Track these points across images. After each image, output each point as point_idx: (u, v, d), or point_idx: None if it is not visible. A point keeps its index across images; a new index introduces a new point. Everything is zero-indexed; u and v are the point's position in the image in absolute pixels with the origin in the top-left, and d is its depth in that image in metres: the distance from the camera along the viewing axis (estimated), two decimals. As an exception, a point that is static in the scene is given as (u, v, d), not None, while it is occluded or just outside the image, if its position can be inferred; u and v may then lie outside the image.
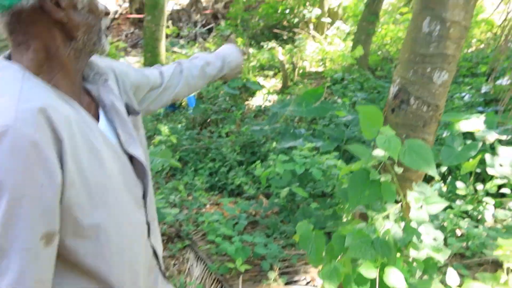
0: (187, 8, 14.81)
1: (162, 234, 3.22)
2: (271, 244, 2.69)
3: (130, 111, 1.06)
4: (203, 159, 5.27)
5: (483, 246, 2.49)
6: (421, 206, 1.55)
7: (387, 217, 1.59)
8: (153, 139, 5.58)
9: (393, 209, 1.58)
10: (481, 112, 4.99)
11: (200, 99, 6.88)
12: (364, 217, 1.78)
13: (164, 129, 5.32)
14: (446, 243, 2.57)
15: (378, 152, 1.57)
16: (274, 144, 4.09)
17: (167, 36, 10.09)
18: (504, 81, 5.56)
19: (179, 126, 6.26)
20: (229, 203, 3.49)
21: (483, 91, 5.45)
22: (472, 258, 2.55)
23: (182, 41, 11.82)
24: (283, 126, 4.38)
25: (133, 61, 10.76)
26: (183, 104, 7.22)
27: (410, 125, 1.75)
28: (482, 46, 7.93)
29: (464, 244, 2.67)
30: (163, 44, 8.21)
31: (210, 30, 13.27)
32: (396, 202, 1.65)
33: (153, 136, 6.07)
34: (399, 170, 1.58)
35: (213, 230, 2.89)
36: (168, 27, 10.91)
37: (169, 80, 1.31)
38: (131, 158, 1.00)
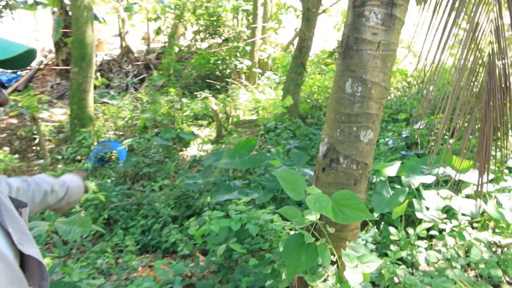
0: (118, 58, 14.63)
1: (86, 308, 2.89)
2: (208, 311, 2.50)
3: (17, 204, 0.92)
4: (135, 216, 4.96)
5: (419, 294, 2.51)
6: (356, 265, 1.52)
7: (326, 279, 1.53)
8: (79, 197, 5.20)
9: (330, 271, 1.53)
10: (404, 156, 5.30)
11: (131, 152, 6.61)
12: (302, 282, 1.71)
13: (91, 185, 4.98)
14: (384, 294, 2.56)
15: (310, 215, 1.53)
16: (209, 198, 3.96)
17: (96, 87, 9.78)
18: (420, 125, 6.00)
19: (109, 181, 5.91)
20: (162, 265, 3.25)
21: (404, 135, 5.83)
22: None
23: (112, 92, 11.52)
24: (217, 179, 4.29)
25: (59, 113, 10.22)
26: (112, 157, 6.89)
27: (342, 183, 1.75)
28: (399, 93, 8.60)
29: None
30: (91, 95, 7.92)
31: (142, 80, 13.13)
32: (332, 262, 1.60)
33: (79, 194, 5.66)
34: (331, 230, 1.54)
35: (144, 300, 2.64)
36: (97, 78, 10.62)
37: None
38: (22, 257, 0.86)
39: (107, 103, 9.70)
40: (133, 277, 3.44)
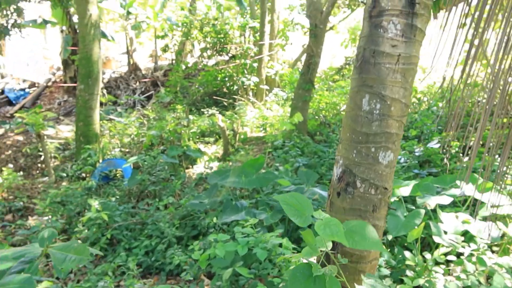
0: (126, 76, 14.69)
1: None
2: None
3: None
4: (139, 236, 4.81)
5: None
6: (376, 303, 1.36)
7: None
8: (82, 216, 5.07)
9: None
10: (417, 174, 5.13)
11: (136, 169, 6.50)
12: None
13: (95, 204, 4.86)
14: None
15: (322, 244, 1.38)
16: (215, 219, 3.81)
17: (102, 104, 9.77)
18: (433, 144, 5.84)
19: (113, 199, 5.79)
20: (165, 290, 3.10)
21: (416, 153, 5.66)
22: None
23: (119, 109, 11.51)
24: (224, 198, 4.14)
25: (65, 130, 10.20)
26: (117, 175, 6.78)
27: (359, 210, 1.60)
28: (409, 110, 8.46)
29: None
30: (97, 112, 7.88)
31: (149, 97, 13.13)
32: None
33: (82, 212, 5.54)
34: (344, 260, 1.39)
35: (144, 330, 2.47)
36: (103, 95, 10.63)
37: None
38: None
39: (114, 120, 9.65)
40: (134, 303, 3.28)
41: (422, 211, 3.00)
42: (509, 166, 3.03)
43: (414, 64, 1.61)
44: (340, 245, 1.44)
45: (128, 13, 13.90)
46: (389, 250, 3.48)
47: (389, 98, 1.56)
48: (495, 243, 3.45)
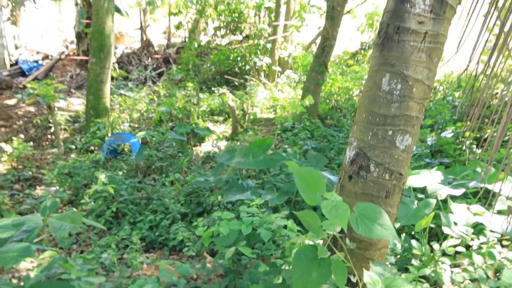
0: (138, 51, 14.60)
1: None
2: (212, 320, 2.31)
3: None
4: (143, 211, 4.81)
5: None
6: (382, 290, 1.30)
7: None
8: (89, 188, 5.08)
9: (351, 295, 1.31)
10: (428, 164, 5.02)
11: (144, 145, 6.48)
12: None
13: (101, 177, 4.86)
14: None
15: (329, 226, 1.31)
16: (220, 197, 3.77)
17: (113, 78, 9.73)
18: (447, 134, 5.70)
19: (120, 173, 5.79)
20: (167, 265, 3.08)
21: (429, 142, 5.53)
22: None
23: (130, 84, 11.46)
24: (230, 177, 4.09)
25: (76, 103, 10.20)
26: (125, 149, 6.78)
27: (371, 195, 1.52)
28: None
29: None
30: (107, 86, 7.84)
31: (160, 74, 13.05)
32: (352, 284, 1.38)
33: (89, 184, 5.55)
34: (352, 245, 1.32)
35: (144, 303, 2.46)
36: (115, 69, 10.58)
37: None
38: None
39: (124, 95, 9.62)
40: (136, 276, 3.28)
41: (433, 201, 2.92)
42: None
43: (441, 43, 1.49)
44: (350, 229, 1.36)
45: (143, -13, 13.72)
46: (395, 238, 3.42)
47: (412, 78, 1.45)
48: (506, 238, 3.36)
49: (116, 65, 11.70)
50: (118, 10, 12.89)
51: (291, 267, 1.91)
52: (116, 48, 14.12)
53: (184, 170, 5.90)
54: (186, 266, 3.13)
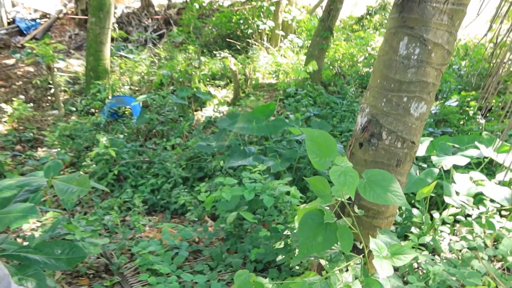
0: (138, 12, 14.21)
1: (88, 268, 2.78)
2: (214, 282, 2.35)
3: None
4: (145, 175, 4.84)
5: (444, 284, 2.31)
6: (386, 256, 1.30)
7: (346, 269, 1.32)
8: (90, 151, 5.08)
9: (353, 261, 1.32)
10: (431, 133, 4.99)
11: (145, 108, 6.43)
12: (322, 269, 1.50)
13: (103, 140, 4.85)
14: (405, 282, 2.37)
15: (337, 192, 1.29)
16: (222, 162, 3.77)
17: (113, 39, 9.52)
18: (452, 102, 5.64)
19: (121, 136, 5.77)
20: (169, 228, 3.12)
21: (433, 111, 5.48)
22: (431, 297, 2.37)
23: (130, 46, 11.23)
24: (232, 143, 4.07)
25: (76, 64, 10.04)
26: (126, 112, 6.72)
27: (381, 163, 1.49)
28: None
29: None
30: (107, 48, 7.68)
31: (161, 36, 12.77)
32: (358, 251, 1.39)
33: (90, 147, 5.54)
34: (360, 212, 1.31)
35: (147, 265, 2.50)
36: (114, 30, 10.34)
37: None
38: None
39: (124, 56, 9.44)
40: (139, 238, 3.32)
41: (436, 170, 2.91)
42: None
43: (465, 5, 1.41)
44: (358, 196, 1.35)
45: None
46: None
47: (431, 42, 1.38)
48: (505, 208, 3.38)
49: (116, 26, 11.43)
50: (117, -33, 12.46)
51: (296, 231, 1.92)
52: (115, 7, 13.72)
53: (185, 134, 5.88)
54: (188, 229, 3.18)
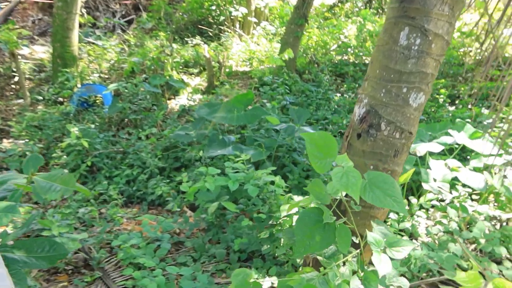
0: (105, -4, 13.71)
1: (67, 264, 2.70)
2: (199, 274, 2.33)
3: None
4: (120, 165, 4.72)
5: (424, 268, 2.39)
6: (384, 249, 1.31)
7: (343, 264, 1.33)
8: (61, 142, 4.90)
9: (350, 255, 1.32)
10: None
11: (117, 97, 6.24)
12: (318, 263, 1.50)
13: (74, 130, 4.68)
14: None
15: (335, 193, 1.29)
16: (201, 152, 3.71)
17: (80, 25, 9.15)
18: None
19: (92, 126, 5.59)
20: (149, 220, 3.06)
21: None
22: (412, 281, 2.44)
23: (98, 32, 10.84)
24: (210, 132, 4.02)
25: (40, 51, 9.60)
26: (97, 101, 6.51)
27: (380, 154, 1.50)
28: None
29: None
30: (75, 34, 7.36)
31: (130, 22, 12.39)
32: (354, 244, 1.39)
33: (60, 138, 5.34)
34: (357, 208, 1.32)
35: (130, 258, 2.45)
36: (82, 15, 9.94)
37: None
38: None
39: (93, 43, 9.11)
40: (117, 230, 3.25)
41: (413, 157, 2.98)
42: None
43: None
44: (357, 189, 1.34)
45: None
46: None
47: (432, 33, 1.38)
48: (475, 192, 3.52)
49: (84, 11, 10.98)
50: (81, -51, 11.92)
51: (286, 228, 1.92)
52: (80, -9, 13.19)
53: (160, 123, 5.77)
54: (169, 220, 3.13)
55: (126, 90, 6.32)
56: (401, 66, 1.44)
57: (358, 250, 1.40)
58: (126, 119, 5.98)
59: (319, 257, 1.39)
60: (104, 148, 4.93)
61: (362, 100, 1.55)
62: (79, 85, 6.80)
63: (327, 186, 1.33)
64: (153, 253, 2.63)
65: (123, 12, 12.92)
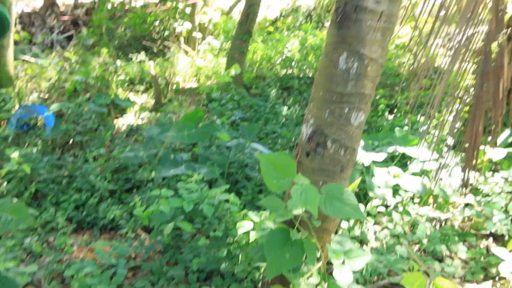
0: (41, 12, 13.16)
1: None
2: (160, 298, 2.32)
3: None
4: (67, 190, 4.53)
5: (375, 272, 2.54)
6: (343, 262, 1.41)
7: (310, 277, 1.41)
8: (0, 168, 4.62)
9: (315, 268, 1.41)
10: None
11: (60, 118, 6.00)
12: (284, 281, 1.57)
13: (15, 155, 4.44)
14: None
15: (296, 209, 1.37)
16: (153, 173, 3.68)
17: (16, 42, 8.72)
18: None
19: (34, 150, 5.33)
20: (103, 246, 2.98)
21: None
22: (365, 285, 2.59)
23: (35, 49, 10.36)
24: (162, 152, 4.00)
25: (-30, 70, 8.99)
26: (38, 123, 6.22)
27: (327, 170, 1.62)
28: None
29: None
30: (10, 52, 7.01)
31: (69, 38, 11.96)
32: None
33: (0, 164, 5.04)
34: (317, 223, 1.41)
35: (85, 288, 2.38)
36: (18, 32, 9.49)
37: None
38: None
39: (30, 61, 8.70)
40: (68, 260, 3.13)
41: (360, 167, 3.17)
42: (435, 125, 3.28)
43: (394, 23, 1.60)
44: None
45: None
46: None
47: (367, 57, 1.54)
48: (417, 196, 3.79)
49: (19, 27, 10.46)
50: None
51: (249, 246, 1.97)
52: (15, 5, 12.56)
53: (107, 144, 5.62)
54: (124, 245, 3.07)
55: (69, 111, 6.09)
56: (342, 88, 1.59)
57: (320, 263, 1.49)
58: (71, 141, 5.77)
59: (285, 273, 1.46)
60: (49, 172, 4.73)
61: (308, 120, 1.67)
62: (17, 107, 6.46)
63: (288, 203, 1.41)
64: (109, 280, 2.57)
65: (62, 28, 12.45)
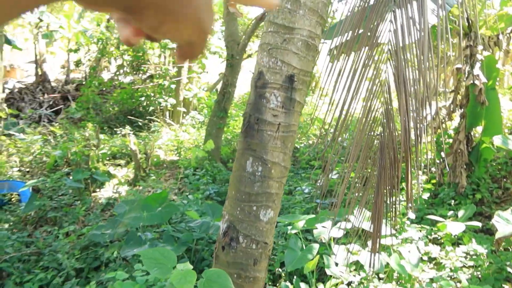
0: (33, 87, 13.69)
1: None
2: None
3: None
4: (33, 269, 4.47)
5: None
6: None
7: None
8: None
9: None
10: (318, 205, 5.48)
11: (36, 193, 6.06)
12: None
13: (-17, 234, 4.44)
14: None
15: None
16: (116, 252, 3.70)
17: (1, 119, 9.00)
18: (333, 175, 6.28)
19: (5, 226, 5.32)
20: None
21: (319, 183, 6.04)
22: None
23: (22, 123, 10.64)
24: (121, 230, 4.05)
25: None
26: (13, 199, 6.25)
27: (241, 263, 1.72)
28: (317, 140, 9.00)
29: None
30: (-8, 128, 7.22)
31: (58, 112, 12.33)
32: None
33: (-34, 242, 4.99)
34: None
35: None
36: (4, 110, 9.81)
37: None
38: None
39: (14, 136, 8.91)
40: None
41: (316, 246, 3.24)
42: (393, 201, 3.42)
43: (293, 131, 1.81)
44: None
45: (40, 20, 13.03)
46: (288, 280, 3.69)
47: (270, 161, 1.72)
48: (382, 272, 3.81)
49: (5, 104, 10.80)
50: (8, 42, 12.05)
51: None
52: (6, 82, 13.08)
53: (81, 219, 5.63)
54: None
55: (46, 186, 6.17)
56: (250, 189, 1.75)
57: None
58: (44, 217, 5.77)
59: None
60: (17, 250, 4.68)
61: (224, 216, 1.81)
62: (-6, 182, 6.53)
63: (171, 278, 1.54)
64: None
65: (51, 103, 12.89)
